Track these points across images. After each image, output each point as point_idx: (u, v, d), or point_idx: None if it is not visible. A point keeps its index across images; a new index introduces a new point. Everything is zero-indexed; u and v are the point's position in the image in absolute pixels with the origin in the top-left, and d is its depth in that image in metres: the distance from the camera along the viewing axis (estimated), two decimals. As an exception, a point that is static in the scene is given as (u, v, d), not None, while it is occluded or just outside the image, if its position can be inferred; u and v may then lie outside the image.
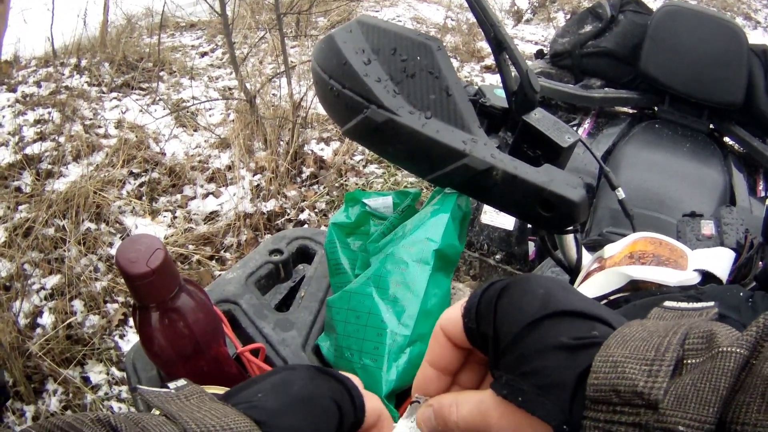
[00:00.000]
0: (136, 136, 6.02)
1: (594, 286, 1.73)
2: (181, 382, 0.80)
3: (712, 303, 0.69)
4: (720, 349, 0.56)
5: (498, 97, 1.53)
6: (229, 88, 7.38)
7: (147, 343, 1.26)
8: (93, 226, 4.94)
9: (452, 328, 0.80)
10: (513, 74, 1.44)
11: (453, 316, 0.80)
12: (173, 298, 1.22)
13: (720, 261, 1.74)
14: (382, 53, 1.41)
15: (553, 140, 1.43)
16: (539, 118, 1.46)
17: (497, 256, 3.50)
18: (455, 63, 8.90)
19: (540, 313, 0.69)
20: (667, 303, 0.72)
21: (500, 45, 1.40)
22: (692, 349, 0.59)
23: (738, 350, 0.55)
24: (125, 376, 1.57)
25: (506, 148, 1.48)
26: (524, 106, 1.45)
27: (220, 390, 1.22)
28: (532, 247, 3.39)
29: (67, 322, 4.14)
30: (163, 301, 1.21)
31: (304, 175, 5.91)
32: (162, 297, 1.21)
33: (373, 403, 0.86)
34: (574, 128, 3.76)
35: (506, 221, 3.43)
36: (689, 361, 0.58)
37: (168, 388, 0.78)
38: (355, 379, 0.85)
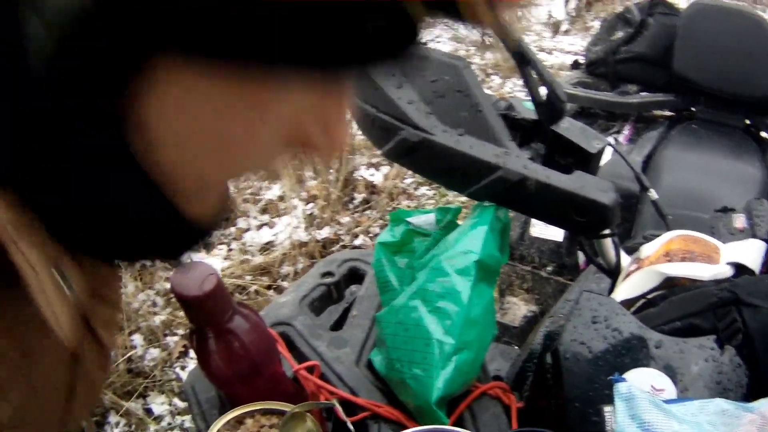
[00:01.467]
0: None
1: (631, 285, 1.78)
2: None
3: None
4: None
5: (527, 109, 1.57)
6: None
7: (205, 365, 1.32)
8: (148, 261, 4.99)
9: None
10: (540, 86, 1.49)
11: None
12: (228, 321, 1.28)
13: (752, 252, 1.78)
14: (412, 76, 1.47)
15: (582, 147, 1.48)
16: (567, 126, 1.51)
17: (549, 268, 3.50)
18: (497, 79, 8.92)
19: None
20: None
21: (523, 58, 1.45)
22: None
23: None
24: (187, 399, 1.62)
25: (539, 159, 1.52)
26: (552, 117, 1.50)
27: (278, 405, 1.28)
28: (582, 257, 3.39)
29: (128, 355, 4.20)
30: (218, 323, 1.27)
31: (356, 201, 5.94)
32: (217, 319, 1.27)
33: None
34: (614, 135, 3.79)
35: (555, 233, 3.42)
36: None
37: None
38: None
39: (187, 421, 3.97)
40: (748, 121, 3.73)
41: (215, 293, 1.22)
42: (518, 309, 3.51)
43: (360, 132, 1.63)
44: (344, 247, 5.31)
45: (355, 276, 1.96)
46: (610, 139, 3.61)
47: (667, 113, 3.93)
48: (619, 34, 3.94)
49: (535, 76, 1.46)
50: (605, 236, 1.72)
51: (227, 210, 0.74)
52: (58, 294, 0.63)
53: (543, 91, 1.49)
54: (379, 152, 1.56)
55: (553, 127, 1.50)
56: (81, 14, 0.47)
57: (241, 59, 0.52)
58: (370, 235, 5.47)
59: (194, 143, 0.58)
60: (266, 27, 0.49)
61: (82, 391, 0.89)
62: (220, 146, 0.60)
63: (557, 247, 3.45)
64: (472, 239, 1.44)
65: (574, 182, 1.38)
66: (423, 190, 6.12)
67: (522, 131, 1.58)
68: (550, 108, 1.48)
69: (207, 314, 1.26)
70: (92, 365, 0.89)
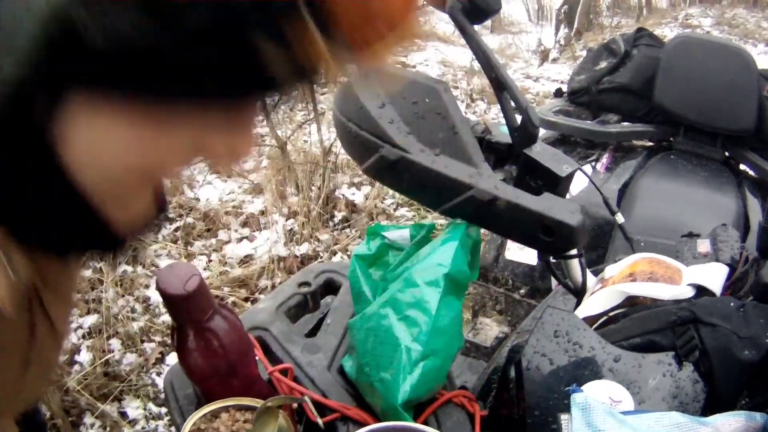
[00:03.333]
0: (171, 182, 6.09)
1: (595, 304, 1.83)
2: None
3: None
4: None
5: (503, 133, 1.62)
6: (261, 135, 7.46)
7: (184, 360, 1.37)
8: (130, 268, 5.01)
9: None
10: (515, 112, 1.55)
11: None
12: (208, 320, 1.33)
13: (713, 275, 1.83)
14: (394, 97, 1.53)
15: (552, 170, 1.53)
16: (539, 151, 1.56)
17: (522, 291, 3.54)
18: (482, 104, 8.96)
19: None
20: None
21: (501, 85, 1.50)
22: None
23: None
24: (164, 394, 1.67)
25: (511, 180, 1.58)
26: (525, 141, 1.56)
27: (250, 401, 1.34)
28: (555, 281, 3.40)
29: (105, 359, 4.22)
30: (199, 321, 1.32)
31: (336, 219, 5.97)
32: (198, 317, 1.32)
33: None
34: (593, 163, 3.82)
35: (529, 256, 3.46)
36: None
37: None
38: None
39: (161, 426, 4.00)
40: (726, 153, 3.78)
41: (198, 292, 1.28)
42: (490, 330, 3.54)
43: (342, 148, 1.68)
44: (322, 263, 5.34)
45: (330, 287, 2.01)
46: (588, 167, 3.67)
47: (647, 143, 3.98)
48: (603, 64, 3.97)
49: (511, 102, 1.53)
50: (572, 257, 1.78)
51: (156, 214, 0.87)
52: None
53: (519, 116, 1.55)
54: (360, 168, 1.61)
55: (526, 151, 1.56)
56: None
57: (143, 96, 0.66)
58: (348, 252, 5.49)
59: (110, 160, 0.72)
60: (161, 70, 0.61)
61: (37, 366, 1.01)
62: (133, 162, 0.74)
63: (531, 271, 3.50)
64: (442, 253, 1.49)
65: (543, 203, 1.44)
66: (402, 210, 6.16)
67: (496, 154, 1.64)
68: (524, 132, 1.55)
69: (189, 312, 1.32)
70: (46, 345, 1.01)
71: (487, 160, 1.50)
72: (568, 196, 1.60)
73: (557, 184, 1.54)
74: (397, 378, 1.43)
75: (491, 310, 3.66)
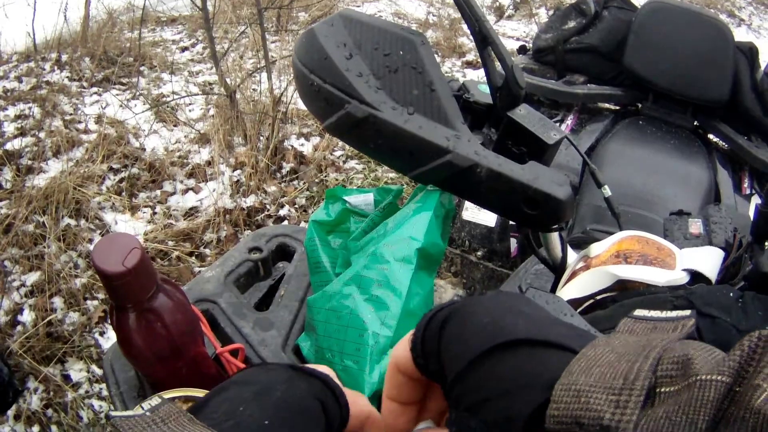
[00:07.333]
0: (116, 132, 5.98)
1: (580, 285, 1.71)
2: (155, 400, 0.75)
3: (688, 313, 0.64)
4: (698, 378, 0.50)
5: (482, 92, 1.51)
6: (210, 83, 7.34)
7: (124, 344, 1.23)
8: (73, 222, 4.89)
9: (404, 363, 0.79)
10: (497, 70, 1.42)
11: (403, 350, 0.79)
12: (150, 299, 1.19)
13: (709, 260, 1.73)
14: (364, 48, 1.39)
15: (539, 137, 1.41)
16: (524, 114, 1.44)
17: (479, 253, 3.48)
18: (437, 58, 8.90)
19: (486, 345, 0.66)
20: (638, 312, 0.68)
21: (485, 40, 1.38)
22: (666, 376, 0.53)
23: (719, 378, 0.50)
24: (104, 376, 1.54)
25: (490, 145, 1.46)
26: (509, 102, 1.43)
27: (200, 393, 1.19)
28: (513, 243, 3.37)
29: (48, 319, 4.11)
30: (140, 301, 1.18)
31: (284, 171, 5.88)
32: (139, 297, 1.18)
33: (359, 401, 0.82)
34: (557, 124, 3.75)
35: (488, 218, 3.41)
36: (662, 390, 0.53)
37: (142, 408, 0.73)
38: (331, 373, 0.81)
39: (104, 389, 3.90)
40: (696, 123, 3.72)
41: (138, 269, 1.13)
42: (445, 292, 3.49)
43: (302, 101, 1.55)
44: (269, 216, 5.26)
45: (283, 252, 1.89)
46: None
47: (613, 107, 3.93)
48: (572, 24, 3.93)
49: (495, 59, 1.40)
50: (554, 230, 1.65)
51: None
52: None
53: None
54: (321, 125, 1.48)
55: (510, 114, 1.43)
56: None
57: None
58: (296, 205, 5.43)
59: None
60: None
61: None
62: None
63: (489, 232, 3.45)
64: (414, 225, 1.38)
65: (528, 173, 1.33)
66: (352, 163, 6.09)
67: (473, 114, 1.52)
68: (508, 93, 1.42)
69: (129, 291, 1.17)
70: None
71: (464, 121, 1.36)
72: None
73: (543, 152, 1.43)
74: (363, 367, 1.31)
75: (446, 271, 3.63)
